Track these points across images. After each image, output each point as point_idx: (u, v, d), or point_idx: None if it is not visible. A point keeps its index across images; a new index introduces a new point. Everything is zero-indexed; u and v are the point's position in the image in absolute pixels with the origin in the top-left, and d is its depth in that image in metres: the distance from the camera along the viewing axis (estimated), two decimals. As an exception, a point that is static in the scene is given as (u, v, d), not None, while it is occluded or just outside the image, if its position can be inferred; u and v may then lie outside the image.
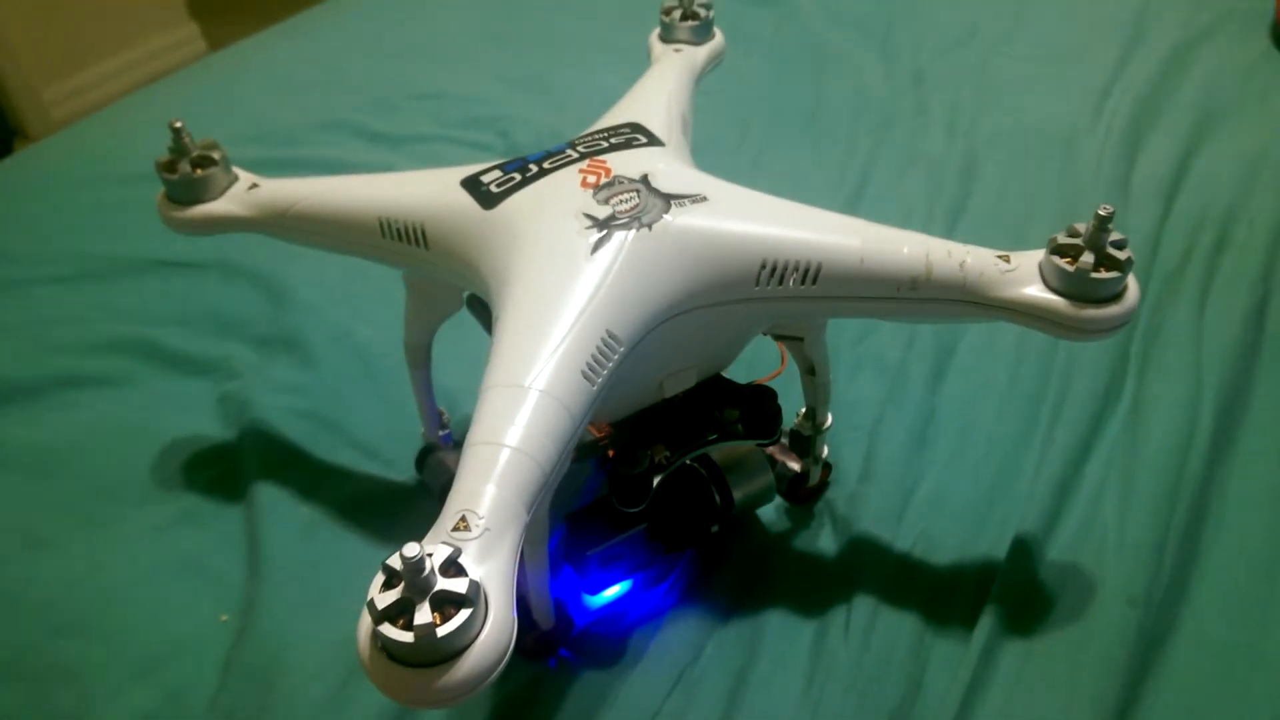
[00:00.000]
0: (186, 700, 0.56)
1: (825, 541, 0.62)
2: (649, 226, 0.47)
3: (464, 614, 0.34)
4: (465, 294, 0.58)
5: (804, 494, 0.64)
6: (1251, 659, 0.54)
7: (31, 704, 0.56)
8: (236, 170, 0.58)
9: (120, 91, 1.20)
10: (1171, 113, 0.97)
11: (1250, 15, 1.11)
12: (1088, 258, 0.46)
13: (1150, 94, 1.00)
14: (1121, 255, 0.46)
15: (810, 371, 0.57)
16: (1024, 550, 0.59)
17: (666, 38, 0.68)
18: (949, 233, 0.84)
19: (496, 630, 0.35)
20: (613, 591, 0.58)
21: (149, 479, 0.69)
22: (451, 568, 0.35)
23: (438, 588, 0.34)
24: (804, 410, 0.61)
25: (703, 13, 0.67)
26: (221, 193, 0.57)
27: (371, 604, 0.34)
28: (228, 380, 0.75)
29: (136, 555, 0.64)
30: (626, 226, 0.47)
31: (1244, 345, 0.72)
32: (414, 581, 0.34)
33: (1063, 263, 0.47)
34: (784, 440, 0.63)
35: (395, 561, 0.34)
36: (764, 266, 0.48)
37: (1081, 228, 0.47)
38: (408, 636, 0.33)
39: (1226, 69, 1.03)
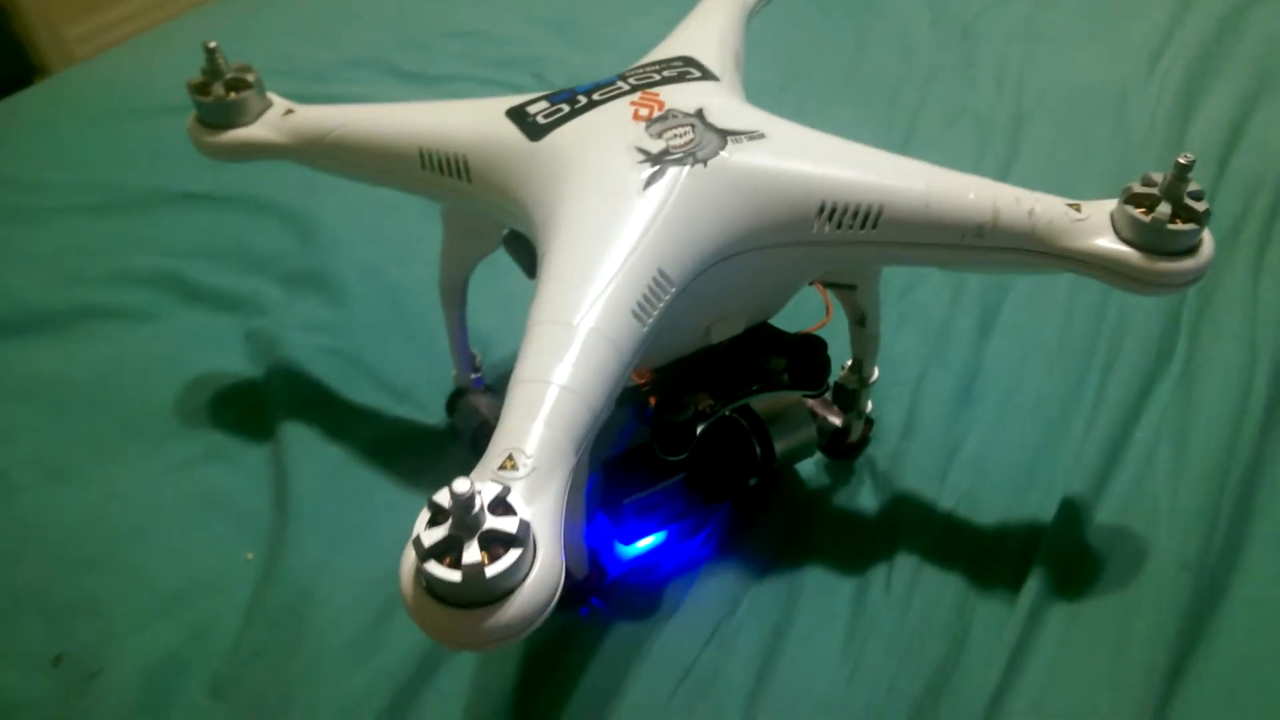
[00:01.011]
0: (211, 637, 0.55)
1: (866, 499, 0.61)
2: (704, 163, 0.45)
3: (513, 554, 0.32)
4: (503, 232, 0.56)
5: (845, 449, 0.62)
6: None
7: (53, 637, 0.55)
8: (271, 95, 0.56)
9: (144, 30, 1.18)
10: (1226, 74, 0.95)
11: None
12: (1164, 208, 0.44)
13: (1204, 55, 0.97)
14: (1200, 207, 0.44)
15: (860, 322, 0.55)
16: (1072, 513, 0.58)
17: (718, -28, 0.65)
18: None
19: (545, 572, 0.33)
20: (647, 542, 0.57)
21: (174, 414, 0.67)
22: (500, 506, 0.34)
23: (487, 526, 0.33)
24: (849, 363, 0.59)
25: (756, -53, 0.65)
26: (256, 117, 0.55)
27: (418, 540, 0.33)
28: (256, 316, 0.74)
29: (161, 491, 0.63)
30: (681, 162, 0.45)
31: (1300, 311, 0.70)
32: (462, 519, 0.32)
33: (1138, 213, 0.45)
34: (827, 394, 0.62)
35: (443, 497, 0.33)
36: (823, 209, 0.45)
37: (1158, 177, 0.45)
38: (455, 575, 0.32)
39: (1281, 29, 1.00)
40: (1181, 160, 0.44)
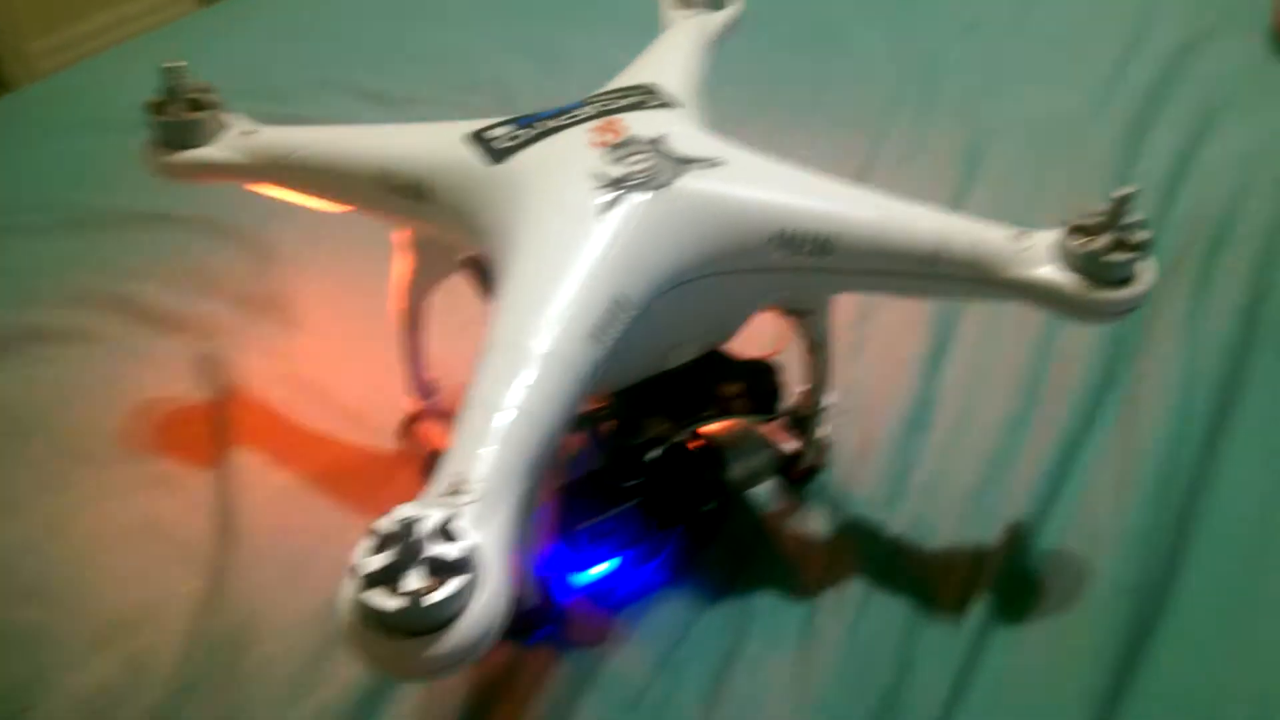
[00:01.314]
0: (149, 670, 0.53)
1: (818, 522, 0.61)
2: (663, 189, 0.46)
3: (456, 580, 0.32)
4: (460, 257, 0.56)
5: (799, 474, 0.62)
6: (1242, 649, 0.53)
7: (-18, 672, 0.53)
8: (230, 115, 0.56)
9: (109, 47, 1.17)
10: (1172, 110, 0.97)
11: (1250, 17, 1.11)
12: (1105, 238, 0.45)
13: (1152, 91, 1.00)
14: (1138, 238, 0.46)
15: (813, 348, 0.56)
16: (1017, 537, 0.59)
17: (681, 1, 0.66)
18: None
19: (490, 599, 0.33)
20: (601, 568, 0.57)
21: (119, 439, 0.66)
22: (445, 532, 0.33)
23: (430, 552, 0.32)
24: (803, 388, 0.60)
25: (719, -22, 0.66)
26: (214, 138, 0.55)
27: (358, 568, 0.32)
28: (208, 339, 0.73)
29: (101, 519, 0.61)
30: (639, 188, 0.46)
31: (1238, 340, 0.72)
32: (405, 545, 0.32)
33: (1079, 243, 0.46)
34: (781, 419, 0.62)
35: (385, 524, 0.32)
36: (778, 235, 0.46)
37: (1100, 208, 0.46)
38: (396, 603, 0.31)
39: (1226, 70, 1.03)
40: (1122, 193, 0.45)
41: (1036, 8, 1.15)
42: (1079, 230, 0.46)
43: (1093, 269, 0.46)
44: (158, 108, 0.54)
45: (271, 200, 0.57)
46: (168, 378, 0.70)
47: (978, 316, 0.74)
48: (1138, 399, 0.67)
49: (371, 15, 1.15)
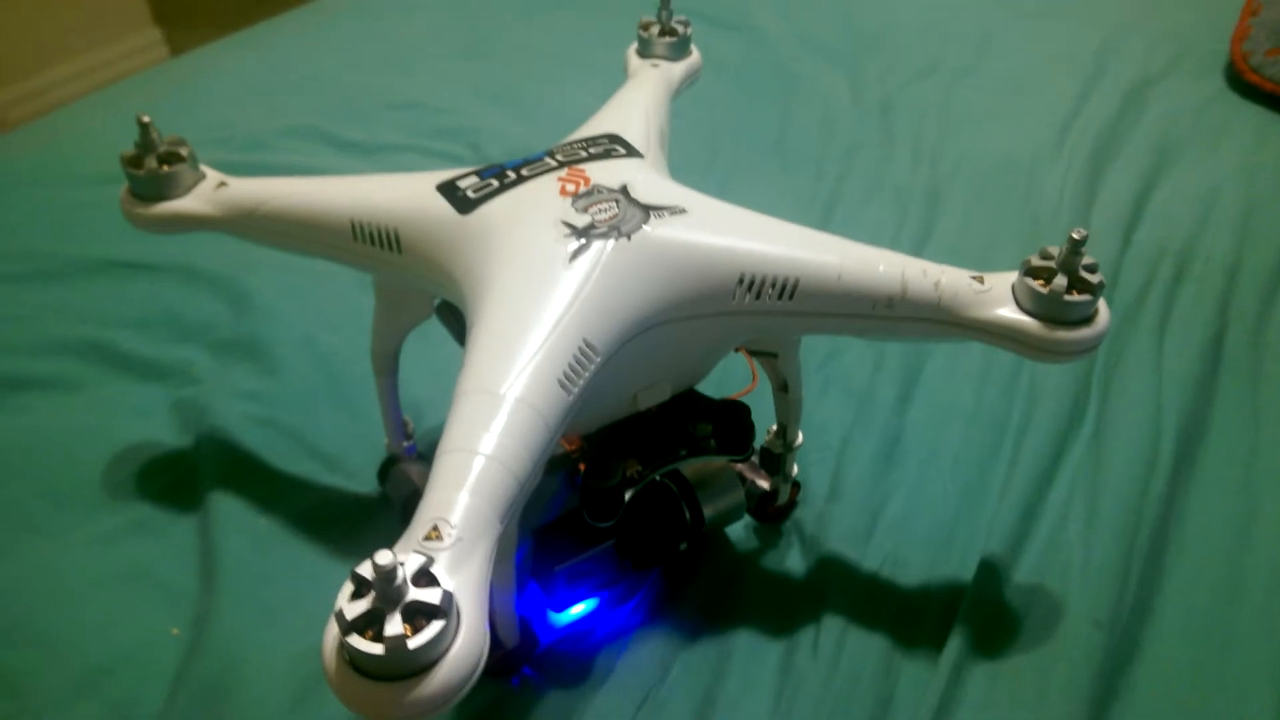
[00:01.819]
0: (132, 715, 0.54)
1: (793, 561, 0.62)
2: (628, 236, 0.47)
3: (436, 625, 0.33)
4: (435, 302, 0.57)
5: (773, 512, 0.63)
6: (1213, 682, 0.54)
7: (-34, 718, 0.53)
8: (204, 168, 0.57)
9: (80, 95, 1.18)
10: (1130, 148, 0.99)
11: (1205, 56, 1.14)
12: (1060, 280, 0.47)
13: (1109, 129, 1.02)
14: (1094, 279, 0.47)
15: (783, 388, 0.57)
16: (990, 572, 0.60)
17: (644, 53, 0.68)
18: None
19: (468, 643, 0.34)
20: (579, 609, 0.57)
21: (99, 486, 0.66)
22: (423, 578, 0.34)
23: (409, 598, 0.33)
24: (775, 427, 0.61)
25: (680, 29, 0.68)
26: (188, 190, 0.56)
27: (340, 614, 0.33)
28: (185, 386, 0.73)
29: (84, 564, 0.61)
30: (605, 236, 0.47)
31: (1202, 375, 0.73)
32: (385, 591, 0.33)
33: (1036, 285, 0.47)
34: (754, 458, 0.63)
35: (366, 570, 0.33)
36: (742, 280, 0.47)
37: (1055, 250, 0.48)
38: (378, 648, 0.32)
39: (1183, 107, 1.06)
40: (1075, 235, 0.47)
41: (993, 50, 1.18)
42: (1036, 271, 0.48)
43: (1051, 310, 0.47)
44: (133, 161, 0.55)
45: (246, 245, 0.57)
46: (146, 424, 0.71)
47: (944, 354, 0.75)
48: (1105, 434, 0.69)
49: (341, 64, 1.17)
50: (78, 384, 0.74)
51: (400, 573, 0.33)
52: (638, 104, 0.61)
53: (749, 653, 0.56)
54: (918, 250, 0.87)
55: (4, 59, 1.80)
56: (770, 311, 0.48)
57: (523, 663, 0.56)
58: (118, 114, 1.02)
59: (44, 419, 0.71)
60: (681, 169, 0.58)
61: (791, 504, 0.64)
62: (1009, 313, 0.48)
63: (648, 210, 0.49)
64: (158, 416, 0.71)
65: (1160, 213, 0.90)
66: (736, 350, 0.56)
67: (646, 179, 0.51)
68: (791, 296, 0.48)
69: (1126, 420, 0.69)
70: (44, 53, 1.86)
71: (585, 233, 0.47)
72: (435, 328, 0.57)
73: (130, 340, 0.77)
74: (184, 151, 0.56)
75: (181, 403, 0.72)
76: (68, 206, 0.91)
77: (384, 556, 0.33)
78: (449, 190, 0.51)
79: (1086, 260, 0.47)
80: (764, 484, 0.63)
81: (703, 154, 1.00)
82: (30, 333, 0.77)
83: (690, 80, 0.69)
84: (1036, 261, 0.48)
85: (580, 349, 0.43)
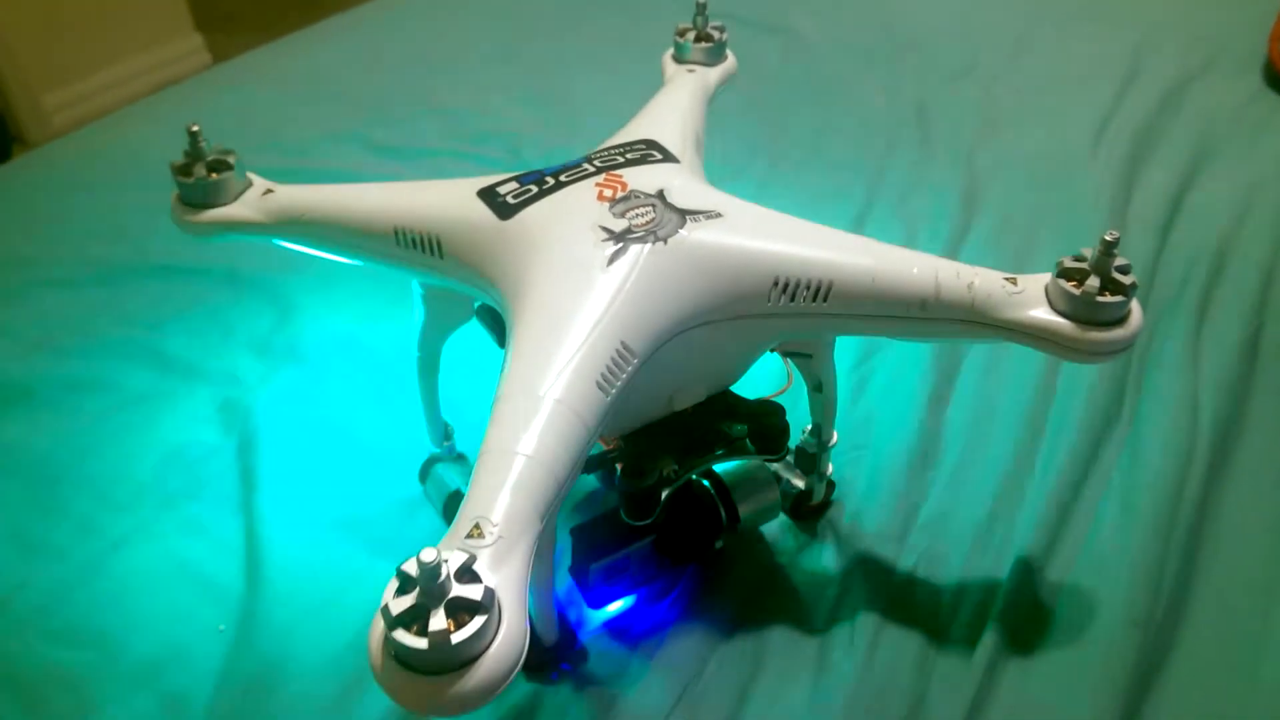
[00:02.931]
0: (184, 708, 0.55)
1: (828, 559, 0.62)
2: (664, 240, 0.48)
3: (478, 621, 0.34)
4: (475, 304, 0.58)
5: (808, 511, 0.64)
6: (1248, 681, 0.54)
7: (28, 711, 0.55)
8: (251, 175, 0.58)
9: (122, 100, 1.20)
10: (1167, 148, 0.99)
11: (1242, 55, 1.13)
12: (1093, 281, 0.47)
13: (1146, 129, 1.01)
14: (1126, 280, 0.47)
15: (817, 388, 0.58)
16: (1025, 571, 0.60)
17: (680, 58, 0.69)
18: (951, 260, 0.85)
19: (510, 638, 0.35)
20: (616, 606, 0.58)
21: (147, 485, 0.68)
22: (466, 574, 0.35)
23: (453, 594, 0.34)
24: (810, 427, 0.61)
25: (716, 35, 0.68)
26: (236, 197, 0.57)
27: (386, 609, 0.34)
28: (231, 387, 0.75)
29: (135, 562, 0.63)
30: (642, 240, 0.48)
31: (1238, 373, 0.73)
32: (429, 587, 0.34)
33: (1069, 286, 0.47)
34: (789, 457, 0.64)
35: (410, 567, 0.34)
36: (777, 283, 0.48)
37: (1088, 252, 0.48)
38: (422, 643, 0.33)
39: (1220, 106, 1.05)
40: (1108, 237, 0.47)
41: (1029, 51, 1.18)
42: (1069, 273, 0.48)
43: (1083, 311, 0.47)
44: (183, 170, 0.57)
45: (290, 252, 0.59)
46: (193, 425, 0.73)
47: (980, 354, 0.75)
48: (1141, 434, 0.68)
49: (381, 69, 1.19)
50: (125, 385, 0.76)
51: (444, 569, 0.34)
52: (674, 109, 0.62)
53: (784, 649, 0.57)
54: (954, 251, 0.87)
55: (48, 65, 1.84)
56: (804, 314, 0.49)
57: (562, 658, 0.56)
58: (164, 120, 1.04)
59: (93, 420, 0.73)
60: (719, 171, 0.58)
61: (826, 503, 0.64)
62: (1042, 314, 0.48)
63: (684, 215, 0.49)
64: (204, 417, 0.73)
65: (1197, 212, 0.90)
66: (771, 350, 0.56)
67: (683, 184, 0.52)
68: (825, 299, 0.48)
69: (1162, 419, 0.69)
70: (88, 59, 1.90)
71: (622, 237, 0.48)
72: (476, 330, 0.58)
73: (177, 343, 0.79)
74: (231, 159, 0.57)
75: (228, 403, 0.74)
76: (118, 212, 0.93)
77: (428, 553, 0.34)
78: (489, 196, 0.52)
79: (1119, 261, 0.47)
80: (799, 483, 0.63)
81: (740, 156, 1.01)
82: (79, 336, 0.80)
83: (726, 84, 0.69)
84: (1070, 263, 0.48)
85: (618, 351, 0.44)
